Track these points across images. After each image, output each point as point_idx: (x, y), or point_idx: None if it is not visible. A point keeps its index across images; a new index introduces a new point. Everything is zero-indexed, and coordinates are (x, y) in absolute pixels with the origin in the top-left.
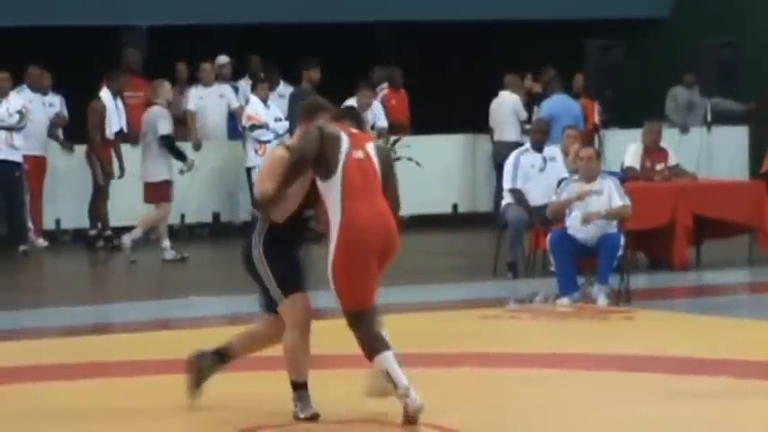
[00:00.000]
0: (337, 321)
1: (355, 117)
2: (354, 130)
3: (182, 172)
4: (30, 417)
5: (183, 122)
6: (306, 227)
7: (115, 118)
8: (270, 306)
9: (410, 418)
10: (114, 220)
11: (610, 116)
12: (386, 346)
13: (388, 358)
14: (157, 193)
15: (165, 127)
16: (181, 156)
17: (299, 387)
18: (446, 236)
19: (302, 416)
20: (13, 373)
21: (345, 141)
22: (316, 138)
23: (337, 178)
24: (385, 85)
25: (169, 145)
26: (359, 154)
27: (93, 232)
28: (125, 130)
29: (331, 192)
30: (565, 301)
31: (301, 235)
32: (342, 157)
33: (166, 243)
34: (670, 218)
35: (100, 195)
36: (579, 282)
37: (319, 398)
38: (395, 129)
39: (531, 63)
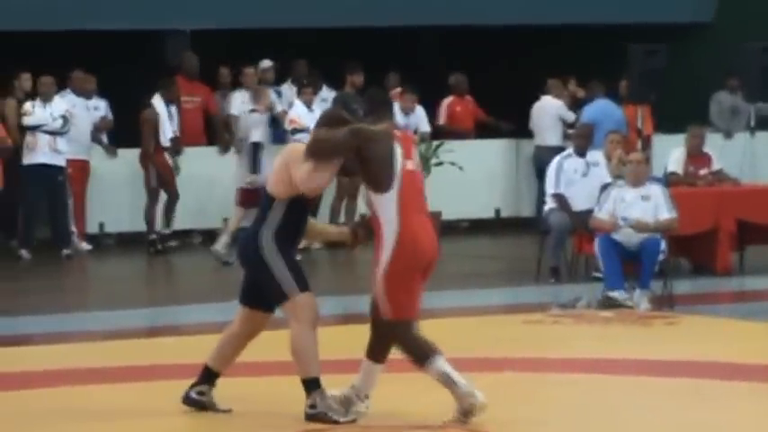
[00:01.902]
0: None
1: (387, 109)
2: (398, 133)
3: (248, 183)
4: (76, 419)
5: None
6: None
7: (168, 125)
8: (256, 299)
9: (469, 415)
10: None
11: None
12: (435, 350)
13: (440, 361)
14: (250, 197)
15: (258, 134)
16: (256, 168)
17: (315, 384)
18: (489, 241)
19: (342, 420)
20: (58, 376)
21: (399, 153)
22: (356, 140)
23: (393, 193)
24: (399, 89)
25: (254, 153)
26: (410, 165)
27: (152, 237)
28: (178, 135)
29: (386, 205)
30: (615, 294)
31: (301, 236)
32: (397, 171)
33: (226, 239)
34: (713, 223)
35: (151, 200)
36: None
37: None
38: (457, 136)
39: (574, 68)
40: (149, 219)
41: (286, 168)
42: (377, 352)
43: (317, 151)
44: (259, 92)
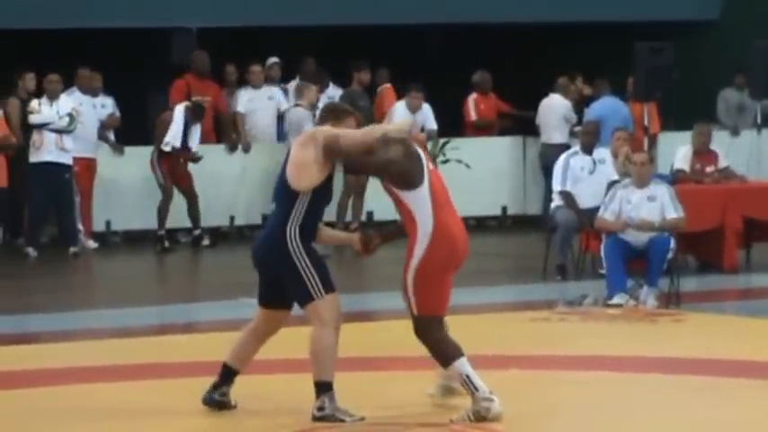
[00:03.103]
0: (387, 323)
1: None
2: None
3: None
4: (83, 417)
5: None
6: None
7: (176, 134)
8: (276, 299)
9: (482, 420)
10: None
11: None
12: (460, 352)
13: (464, 363)
14: None
15: (309, 128)
16: None
17: (329, 387)
18: (495, 238)
19: (349, 420)
20: (65, 375)
21: (421, 152)
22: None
23: (425, 189)
24: (388, 85)
25: None
26: (431, 164)
27: (160, 233)
28: (192, 147)
29: (419, 201)
30: (616, 299)
31: (317, 231)
32: (424, 167)
33: None
34: (720, 220)
35: (165, 198)
36: (629, 284)
37: (365, 399)
38: (488, 130)
39: (582, 65)
40: (161, 216)
41: (315, 145)
42: None
43: (353, 153)
44: (303, 87)
